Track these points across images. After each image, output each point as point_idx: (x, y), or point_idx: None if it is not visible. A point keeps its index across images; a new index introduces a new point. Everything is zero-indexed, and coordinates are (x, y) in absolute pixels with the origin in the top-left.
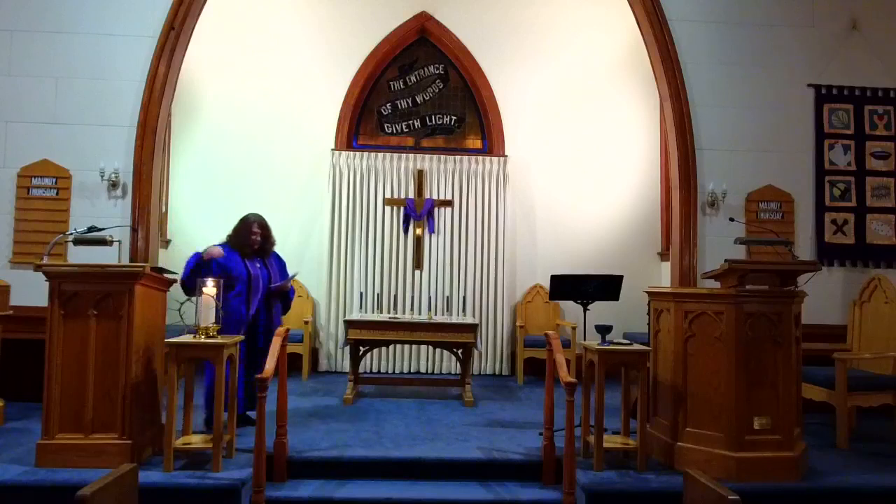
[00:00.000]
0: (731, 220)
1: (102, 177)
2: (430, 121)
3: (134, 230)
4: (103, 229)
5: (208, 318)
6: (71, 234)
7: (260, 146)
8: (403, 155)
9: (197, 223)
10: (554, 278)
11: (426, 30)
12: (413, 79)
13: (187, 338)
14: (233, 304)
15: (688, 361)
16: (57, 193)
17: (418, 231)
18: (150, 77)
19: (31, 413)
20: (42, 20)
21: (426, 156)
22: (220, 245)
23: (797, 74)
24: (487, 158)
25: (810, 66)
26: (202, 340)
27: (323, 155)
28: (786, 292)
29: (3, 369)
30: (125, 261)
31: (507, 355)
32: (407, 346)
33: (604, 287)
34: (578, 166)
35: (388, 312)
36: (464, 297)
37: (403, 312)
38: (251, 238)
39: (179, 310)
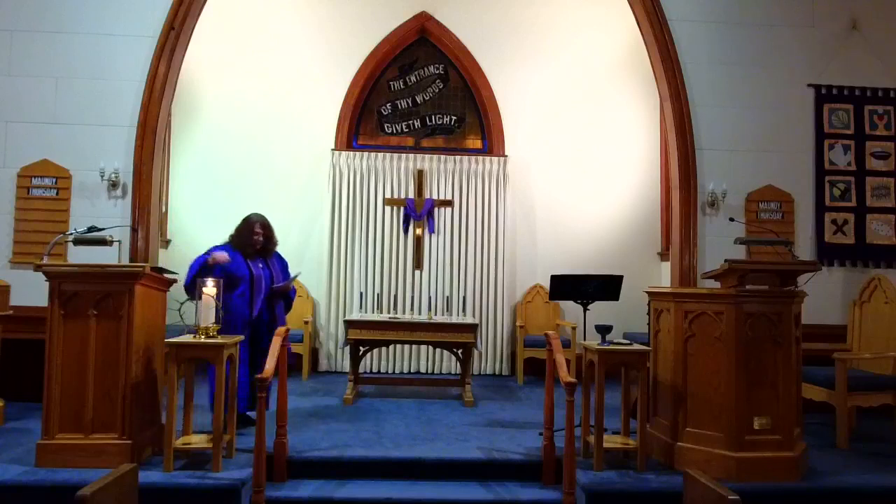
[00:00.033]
0: (731, 220)
1: (102, 177)
2: (430, 121)
3: (134, 230)
4: (103, 229)
5: (208, 318)
6: (71, 234)
7: (260, 146)
8: (403, 155)
9: (197, 223)
10: (554, 278)
11: (426, 30)
12: (413, 79)
13: (187, 338)
14: (236, 304)
15: (688, 361)
16: (57, 193)
17: (418, 231)
18: (150, 77)
19: (31, 413)
20: (42, 20)
21: (426, 156)
22: (222, 245)
23: (797, 74)
24: (487, 158)
25: (810, 66)
26: (202, 340)
27: (323, 155)
28: (786, 292)
29: (3, 369)
30: (125, 261)
31: (507, 355)
32: (407, 346)
33: (604, 287)
34: (578, 166)
35: (388, 312)
36: (464, 297)
37: (403, 312)
38: (253, 238)
39: (179, 310)
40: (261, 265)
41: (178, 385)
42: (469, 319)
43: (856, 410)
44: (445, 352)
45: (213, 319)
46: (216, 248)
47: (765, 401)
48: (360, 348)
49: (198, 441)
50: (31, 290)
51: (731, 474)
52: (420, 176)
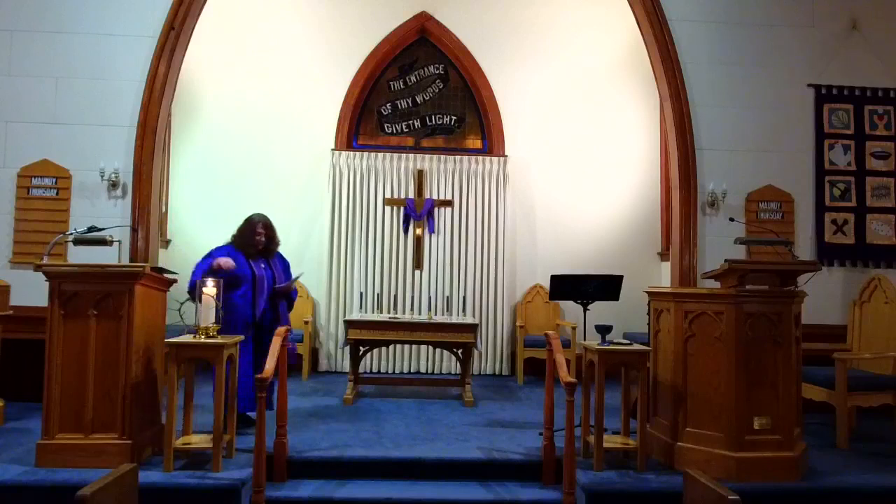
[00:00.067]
0: (731, 220)
1: (102, 177)
2: (430, 121)
3: (134, 230)
4: (103, 229)
5: (208, 318)
6: (71, 234)
7: (260, 146)
8: (403, 155)
9: (197, 223)
10: (554, 278)
11: (426, 30)
12: (413, 79)
13: (187, 338)
14: (238, 304)
15: (688, 361)
16: (57, 193)
17: (418, 231)
18: (150, 77)
19: (31, 413)
20: (42, 20)
21: (426, 156)
22: (224, 246)
23: (797, 74)
24: (487, 158)
25: (810, 66)
26: (202, 340)
27: (323, 155)
28: (786, 292)
29: (3, 369)
30: (125, 261)
31: (507, 355)
32: (407, 346)
33: (604, 287)
34: (578, 166)
35: (388, 312)
36: (464, 297)
37: (403, 312)
38: (256, 238)
39: (179, 310)
40: (263, 265)
41: (178, 385)
42: (469, 319)
43: (856, 410)
44: (445, 352)
45: (213, 319)
46: (218, 248)
47: (765, 401)
48: (360, 348)
49: (198, 441)
50: (31, 290)
51: (731, 474)
52: (420, 176)
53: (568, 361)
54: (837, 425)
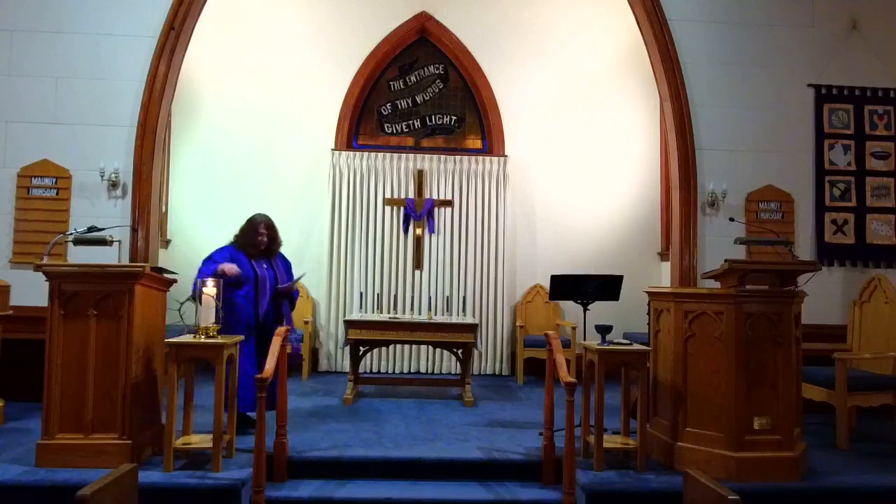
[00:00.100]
0: (731, 220)
1: (102, 177)
2: (430, 121)
3: (134, 230)
4: (103, 229)
5: (208, 318)
6: (71, 234)
7: (260, 146)
8: (403, 155)
9: (197, 223)
10: (554, 278)
11: (426, 30)
12: (413, 79)
13: (187, 338)
14: (240, 305)
15: (688, 361)
16: (57, 193)
17: (418, 231)
18: (150, 77)
19: (31, 413)
20: (42, 20)
21: (426, 156)
22: (226, 246)
23: (797, 74)
24: (487, 158)
25: (810, 66)
26: (202, 340)
27: (323, 155)
28: (786, 292)
29: (3, 369)
30: (125, 261)
31: (507, 355)
32: (407, 346)
33: (604, 287)
34: (578, 166)
35: (388, 312)
36: (464, 297)
37: (403, 312)
38: (258, 239)
39: (179, 310)
40: (265, 266)
41: (178, 385)
42: (469, 319)
43: (856, 410)
44: (445, 352)
45: (213, 319)
46: (220, 249)
47: (765, 401)
48: (360, 348)
49: (198, 441)
50: (31, 290)
51: (731, 474)
52: (420, 176)
53: (568, 361)
54: (837, 425)
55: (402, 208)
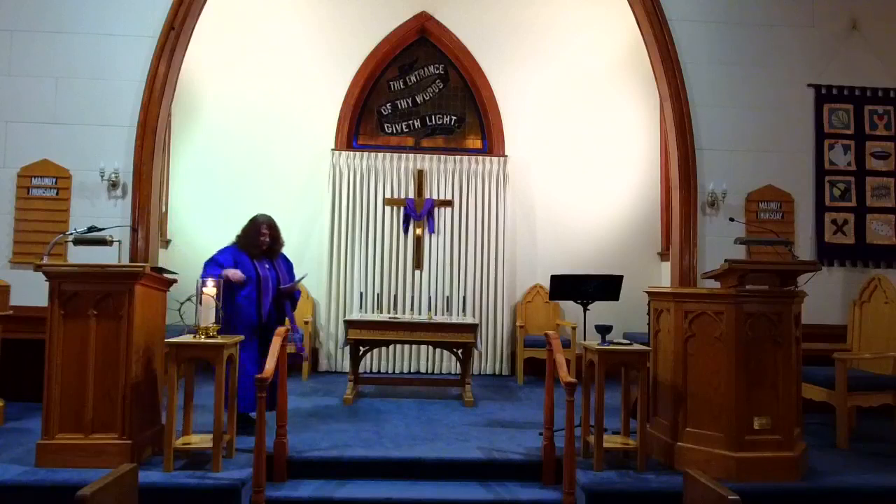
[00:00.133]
0: (731, 220)
1: (102, 177)
2: (430, 121)
3: (134, 230)
4: (103, 229)
5: (208, 318)
6: (71, 234)
7: (260, 146)
8: (403, 155)
9: (197, 223)
10: (554, 278)
11: (426, 30)
12: (413, 79)
13: (187, 338)
14: (243, 305)
15: (688, 361)
16: (57, 193)
17: (418, 231)
18: (150, 77)
19: (31, 413)
20: (42, 20)
21: (426, 156)
22: (228, 247)
23: (797, 74)
24: (487, 158)
25: (810, 66)
26: (202, 340)
27: (323, 155)
28: (786, 292)
29: (3, 369)
30: (125, 261)
31: (507, 355)
32: (407, 346)
33: (604, 287)
34: (578, 166)
35: (388, 312)
36: (464, 297)
37: (403, 312)
38: (260, 239)
39: (179, 310)
40: (267, 266)
41: (178, 385)
42: (469, 319)
43: (856, 410)
44: (445, 352)
45: (213, 319)
46: (222, 250)
47: (765, 401)
48: (360, 348)
49: (198, 441)
50: (31, 290)
51: (731, 474)
52: (420, 176)
53: (568, 361)
54: (837, 425)
55: (402, 208)
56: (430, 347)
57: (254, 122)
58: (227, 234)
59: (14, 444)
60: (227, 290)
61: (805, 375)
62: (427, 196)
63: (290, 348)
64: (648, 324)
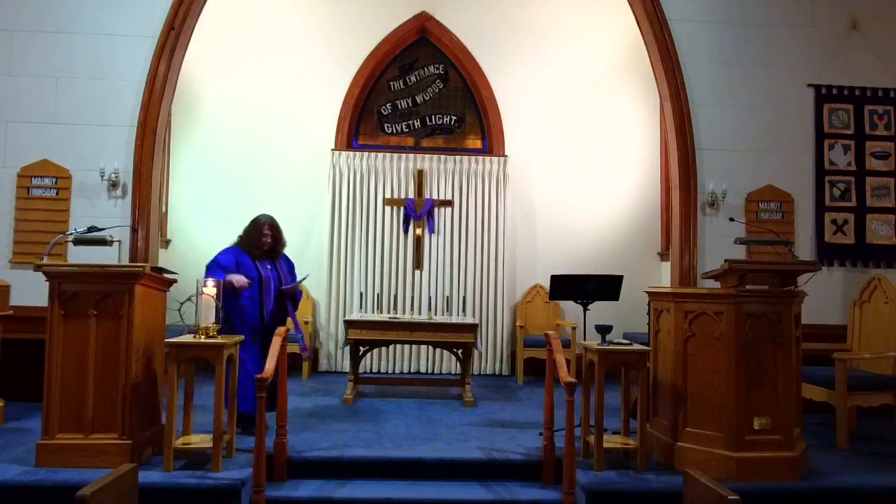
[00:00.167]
0: (731, 220)
1: (102, 177)
2: (430, 121)
3: (134, 230)
4: (103, 229)
5: (208, 318)
6: (71, 234)
7: (260, 146)
8: (403, 155)
9: (197, 223)
10: (554, 278)
11: (426, 30)
12: (413, 79)
13: (187, 338)
14: (245, 306)
15: (688, 361)
16: (57, 193)
17: (418, 231)
18: (150, 77)
19: (31, 413)
20: (42, 20)
21: (426, 156)
22: (230, 248)
23: (797, 74)
24: (487, 158)
25: (810, 66)
26: (202, 340)
27: (323, 155)
28: (786, 292)
29: (3, 369)
30: (125, 261)
31: (507, 355)
32: (407, 346)
33: (604, 287)
34: (578, 166)
35: (388, 312)
36: (464, 297)
37: (403, 312)
38: (262, 240)
39: (179, 310)
40: (269, 267)
41: (178, 385)
42: (469, 319)
43: (856, 410)
44: (445, 352)
45: (213, 319)
46: (224, 250)
47: (765, 401)
48: (360, 348)
49: (198, 441)
50: (31, 290)
51: (731, 474)
52: (420, 176)
53: (568, 361)
54: (837, 425)
55: (402, 208)
56: (430, 347)
57: (254, 122)
58: (227, 234)
59: (14, 444)
60: (230, 292)
61: (805, 375)
62: (427, 196)
63: (295, 348)
64: (648, 324)
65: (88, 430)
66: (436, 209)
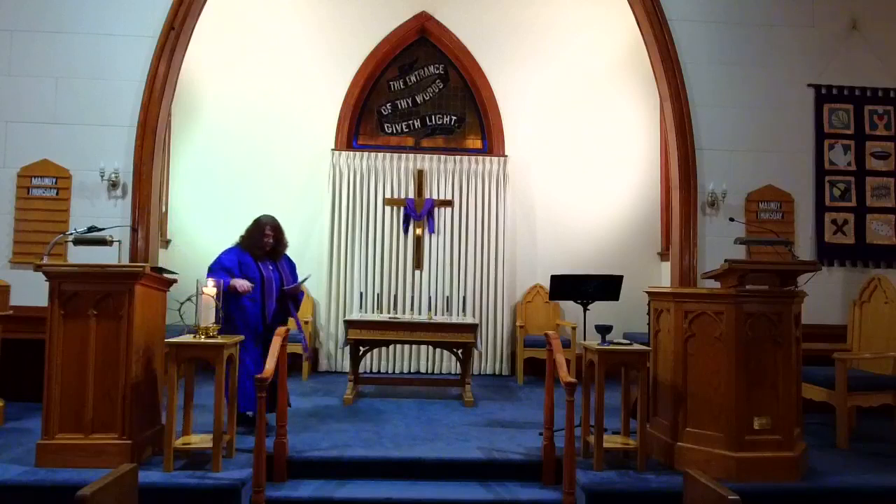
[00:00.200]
0: (731, 220)
1: (102, 177)
2: (430, 121)
3: (134, 230)
4: (103, 229)
5: (208, 318)
6: (71, 234)
7: (260, 146)
8: (403, 155)
9: (197, 223)
10: (554, 278)
11: (426, 30)
12: (413, 79)
13: (187, 338)
14: (247, 307)
15: (688, 361)
16: (57, 193)
17: (418, 231)
18: (150, 77)
19: (31, 413)
20: (42, 20)
21: (426, 156)
22: (231, 248)
23: (797, 74)
24: (487, 158)
25: (810, 66)
26: (202, 340)
27: (323, 155)
28: (786, 292)
29: (3, 369)
30: (125, 261)
31: (507, 355)
32: (407, 346)
33: (604, 287)
34: (578, 166)
35: (388, 312)
36: (464, 297)
37: (403, 312)
38: (264, 241)
39: (179, 310)
40: (271, 267)
41: (178, 385)
42: (469, 319)
43: (856, 410)
44: (445, 352)
45: (213, 319)
46: (227, 251)
47: (765, 401)
48: (360, 348)
49: (198, 441)
50: (31, 290)
51: (731, 474)
52: (420, 176)
53: (568, 361)
54: (837, 425)
55: (402, 208)
56: (430, 347)
57: (254, 122)
58: (227, 235)
59: (14, 444)
60: (232, 293)
61: (805, 375)
62: (427, 196)
63: (296, 348)
64: (648, 324)
65: (88, 430)
66: (436, 209)
